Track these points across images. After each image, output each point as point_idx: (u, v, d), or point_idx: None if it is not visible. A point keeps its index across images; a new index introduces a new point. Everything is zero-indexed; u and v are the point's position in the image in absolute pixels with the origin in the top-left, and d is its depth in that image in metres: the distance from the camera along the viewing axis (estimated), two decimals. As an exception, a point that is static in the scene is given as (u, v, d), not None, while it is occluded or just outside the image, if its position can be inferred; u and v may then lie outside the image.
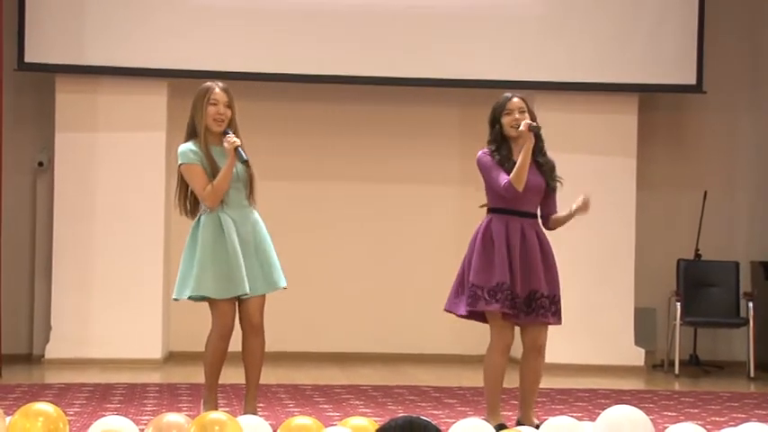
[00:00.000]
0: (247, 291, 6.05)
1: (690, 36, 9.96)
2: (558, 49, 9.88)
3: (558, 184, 6.17)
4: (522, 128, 6.01)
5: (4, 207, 9.00)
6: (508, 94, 6.18)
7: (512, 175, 5.98)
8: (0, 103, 8.82)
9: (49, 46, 9.51)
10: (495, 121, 6.15)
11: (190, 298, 6.12)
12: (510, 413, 6.52)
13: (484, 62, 9.84)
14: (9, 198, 9.33)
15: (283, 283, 6.21)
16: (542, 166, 6.14)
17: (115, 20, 9.53)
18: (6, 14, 9.06)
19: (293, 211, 10.09)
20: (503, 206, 6.09)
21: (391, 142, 10.45)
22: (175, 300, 6.26)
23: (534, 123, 6.03)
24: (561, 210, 6.20)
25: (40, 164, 9.97)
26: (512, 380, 6.32)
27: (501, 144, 6.12)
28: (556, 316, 6.08)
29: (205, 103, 6.07)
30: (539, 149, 6.14)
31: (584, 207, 6.03)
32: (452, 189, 10.51)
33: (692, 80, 10.00)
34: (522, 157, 5.99)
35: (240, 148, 6.00)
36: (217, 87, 6.11)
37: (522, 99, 6.15)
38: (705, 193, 10.33)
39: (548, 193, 6.17)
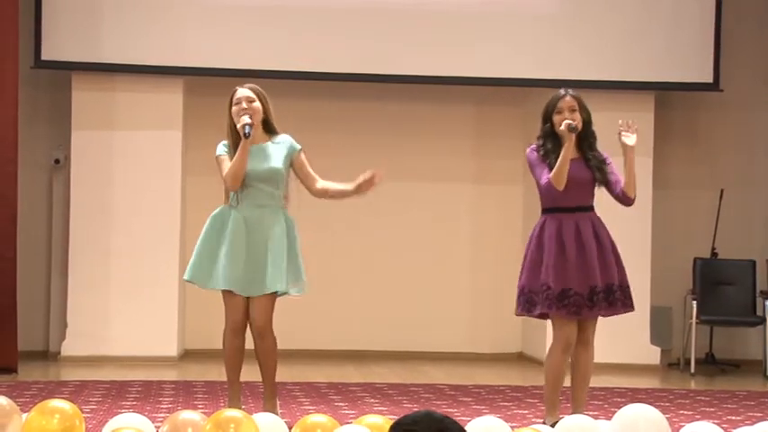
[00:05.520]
0: (225, 287, 6.15)
1: (707, 34, 9.92)
2: (574, 46, 9.85)
3: (609, 177, 6.12)
4: (562, 128, 6.01)
5: (21, 204, 9.02)
6: (561, 92, 6.15)
7: (552, 173, 5.99)
8: (16, 101, 8.84)
9: (65, 44, 9.52)
10: (546, 118, 6.14)
11: (186, 280, 6.37)
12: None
13: (499, 60, 9.82)
14: (26, 195, 9.35)
15: (279, 287, 6.19)
16: (590, 161, 6.12)
17: (131, 17, 9.54)
18: (23, 12, 9.08)
19: (307, 209, 10.07)
20: (554, 205, 6.08)
21: (406, 140, 10.44)
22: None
23: (573, 123, 5.99)
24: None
25: (57, 161, 9.98)
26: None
27: (550, 139, 6.11)
28: (613, 306, 6.05)
29: (229, 106, 6.27)
30: (587, 144, 6.14)
31: None
32: (468, 187, 10.50)
33: (709, 78, 9.96)
34: (561, 156, 5.98)
35: (247, 126, 6.12)
36: (239, 88, 6.29)
37: (575, 97, 6.11)
38: (722, 191, 10.30)
39: (602, 183, 6.13)
